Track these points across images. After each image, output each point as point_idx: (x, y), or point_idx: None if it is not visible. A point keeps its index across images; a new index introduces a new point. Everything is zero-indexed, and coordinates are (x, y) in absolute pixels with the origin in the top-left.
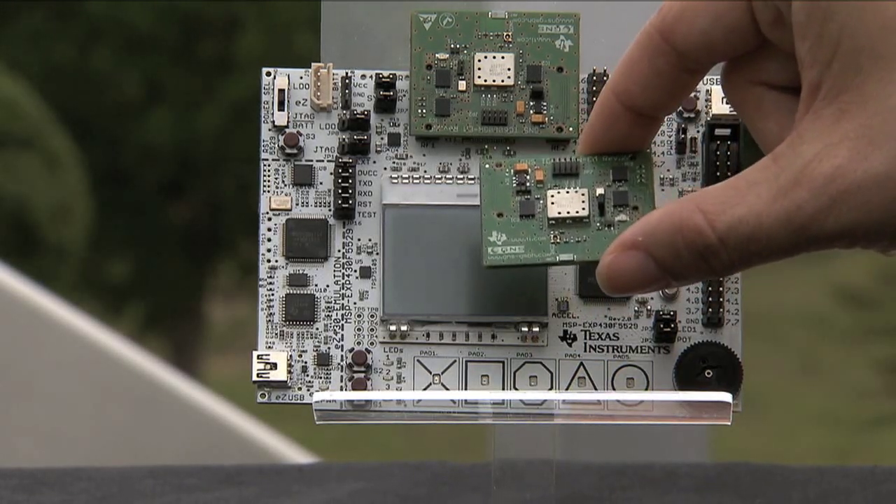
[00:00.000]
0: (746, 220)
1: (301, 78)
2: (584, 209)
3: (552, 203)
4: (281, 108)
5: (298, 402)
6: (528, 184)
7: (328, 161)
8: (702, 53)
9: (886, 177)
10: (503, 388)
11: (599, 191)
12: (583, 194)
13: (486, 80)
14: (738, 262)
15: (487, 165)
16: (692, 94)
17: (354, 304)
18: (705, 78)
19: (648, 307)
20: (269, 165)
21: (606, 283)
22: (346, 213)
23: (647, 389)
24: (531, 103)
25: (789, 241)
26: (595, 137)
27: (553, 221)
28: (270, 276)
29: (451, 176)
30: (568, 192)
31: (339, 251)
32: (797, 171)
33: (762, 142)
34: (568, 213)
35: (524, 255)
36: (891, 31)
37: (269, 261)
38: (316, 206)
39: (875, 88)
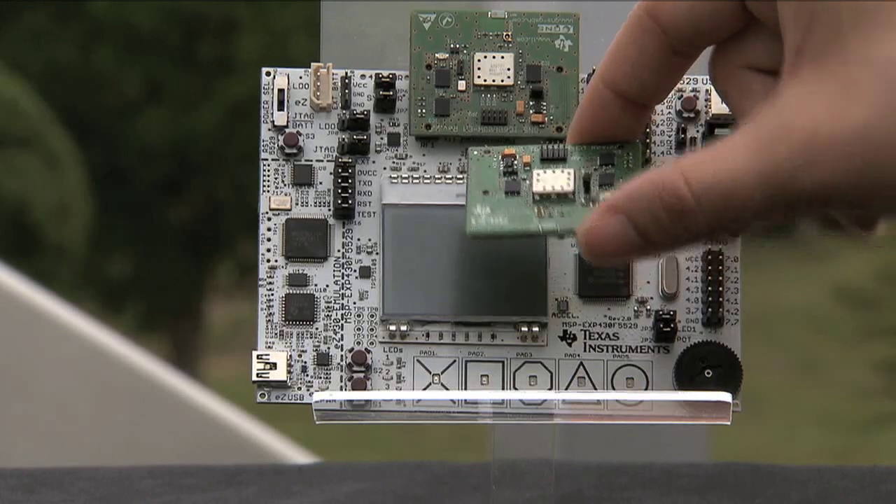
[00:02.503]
0: (723, 180)
1: (301, 78)
2: (569, 185)
3: (538, 180)
4: (281, 108)
5: (298, 401)
6: (514, 166)
7: (328, 161)
8: (688, 31)
9: (864, 127)
10: (503, 388)
11: (586, 171)
12: (569, 173)
13: (485, 80)
14: (714, 223)
15: (476, 152)
16: (692, 94)
17: (354, 303)
18: (705, 78)
19: (648, 307)
20: (268, 165)
21: (586, 249)
22: (345, 213)
23: (646, 389)
24: (531, 103)
25: (766, 200)
26: (584, 126)
27: (538, 197)
28: (270, 276)
29: (450, 176)
30: (554, 172)
31: (338, 251)
32: (775, 130)
33: None
34: (553, 188)
35: (508, 225)
36: None
37: (268, 261)
38: (316, 206)
39: (856, 45)
